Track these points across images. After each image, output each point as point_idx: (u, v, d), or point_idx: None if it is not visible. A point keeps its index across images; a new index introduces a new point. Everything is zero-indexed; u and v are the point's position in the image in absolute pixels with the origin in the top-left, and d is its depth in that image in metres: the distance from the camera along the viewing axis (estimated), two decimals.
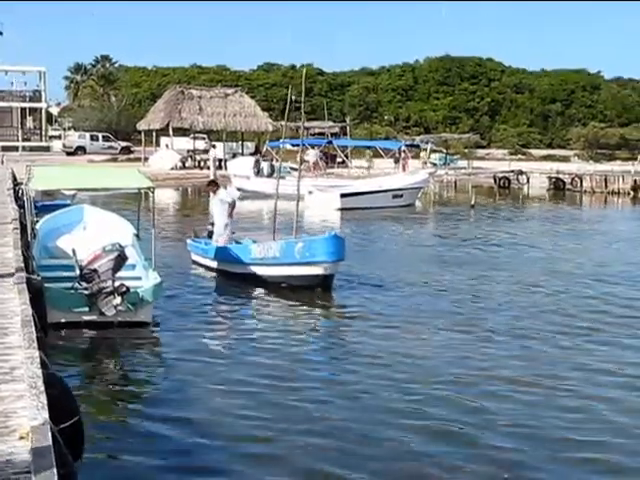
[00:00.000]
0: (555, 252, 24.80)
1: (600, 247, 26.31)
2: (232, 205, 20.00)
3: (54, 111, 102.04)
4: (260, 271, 18.13)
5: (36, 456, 5.13)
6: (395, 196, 39.61)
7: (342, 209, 35.85)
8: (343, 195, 37.42)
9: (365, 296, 17.28)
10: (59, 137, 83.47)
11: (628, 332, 14.60)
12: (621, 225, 35.44)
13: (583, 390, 11.31)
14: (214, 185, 20.79)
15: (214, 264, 19.58)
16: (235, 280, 18.49)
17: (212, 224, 20.40)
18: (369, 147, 68.19)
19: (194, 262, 20.76)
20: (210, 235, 20.36)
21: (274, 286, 17.61)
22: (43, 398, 6.05)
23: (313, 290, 17.18)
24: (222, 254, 19.16)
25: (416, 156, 61.94)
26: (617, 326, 15.02)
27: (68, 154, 70.87)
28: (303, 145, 60.76)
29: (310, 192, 35.21)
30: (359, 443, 9.37)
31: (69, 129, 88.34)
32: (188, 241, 21.50)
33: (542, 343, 13.75)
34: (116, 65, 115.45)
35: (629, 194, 50.93)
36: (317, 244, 17.34)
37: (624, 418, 10.29)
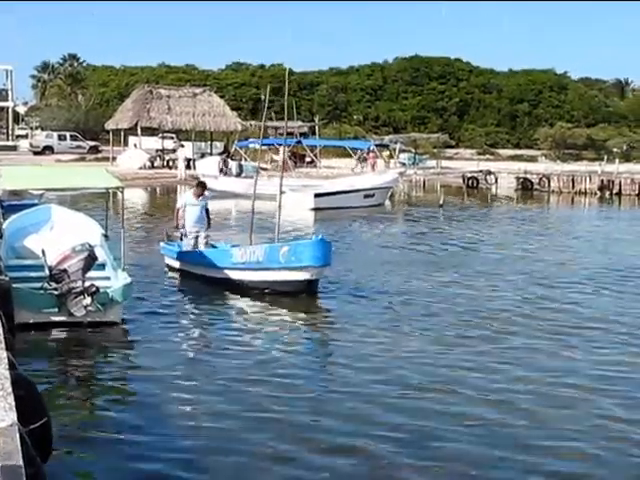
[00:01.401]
0: (520, 252, 24.91)
1: (561, 248, 26.38)
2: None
3: (21, 110, 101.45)
4: (242, 276, 17.54)
5: (4, 457, 5.10)
6: (367, 196, 39.73)
7: (315, 209, 35.82)
8: (317, 195, 37.36)
9: (346, 299, 17.05)
10: (26, 136, 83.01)
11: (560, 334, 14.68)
12: (586, 225, 35.66)
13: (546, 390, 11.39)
14: (203, 187, 20.03)
15: (191, 268, 18.93)
16: (212, 284, 17.97)
17: (184, 226, 19.76)
18: (338, 147, 68.44)
19: (168, 266, 20.14)
20: (182, 238, 19.75)
21: (254, 291, 17.17)
22: (11, 399, 6.00)
23: (296, 296, 16.67)
24: (200, 258, 18.55)
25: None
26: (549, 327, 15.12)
27: (35, 153, 70.38)
28: (274, 145, 60.95)
29: (283, 192, 34.97)
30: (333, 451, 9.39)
31: (36, 128, 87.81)
32: (161, 244, 20.90)
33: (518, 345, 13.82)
34: (84, 64, 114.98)
35: (596, 194, 51.38)
36: (303, 248, 16.80)
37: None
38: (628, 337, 14.30)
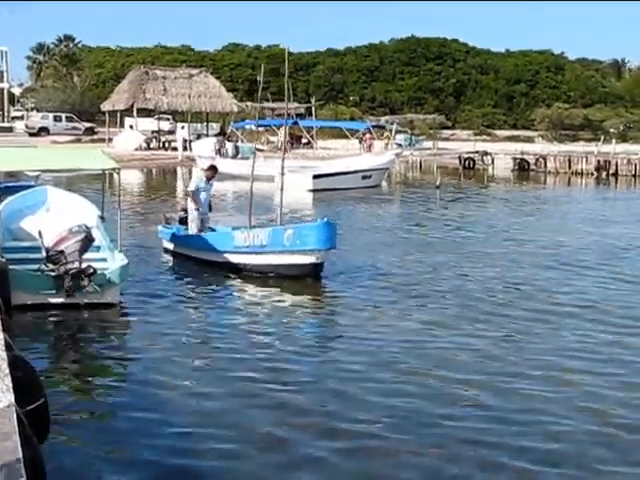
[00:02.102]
0: (515, 234, 24.95)
1: (558, 229, 26.33)
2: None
3: (16, 92, 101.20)
4: (245, 260, 17.29)
5: (1, 438, 5.11)
6: (364, 177, 39.76)
7: (314, 190, 35.76)
8: (315, 176, 37.29)
9: (346, 281, 16.91)
10: (22, 118, 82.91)
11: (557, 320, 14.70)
12: (583, 206, 35.63)
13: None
14: (215, 171, 19.69)
15: (192, 252, 18.63)
16: (211, 267, 17.73)
17: (184, 210, 19.73)
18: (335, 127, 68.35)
19: (166, 250, 19.84)
20: (182, 221, 19.60)
21: (256, 274, 16.98)
22: (8, 381, 6.02)
23: (300, 279, 16.44)
24: (201, 242, 18.30)
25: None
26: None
27: (31, 135, 70.27)
28: (270, 126, 60.81)
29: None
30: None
31: (32, 110, 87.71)
32: (159, 228, 20.53)
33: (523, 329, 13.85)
34: (79, 45, 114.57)
35: (592, 174, 51.34)
36: (308, 231, 16.55)
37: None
38: (615, 318, 14.34)
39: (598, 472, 8.35)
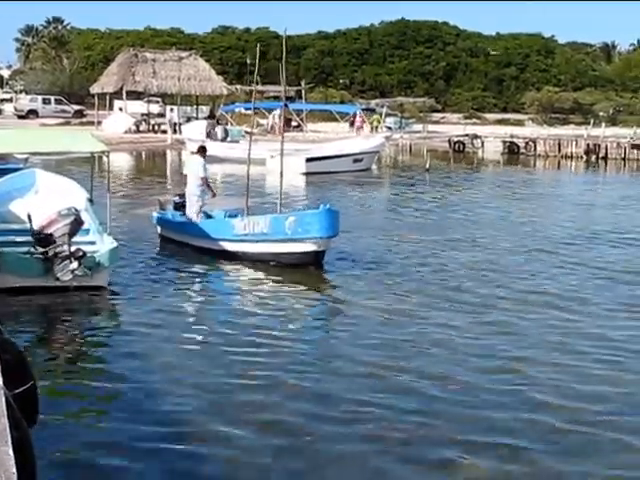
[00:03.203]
0: (509, 215, 25.04)
1: (542, 213, 26.34)
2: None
3: (5, 74, 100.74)
4: (245, 248, 16.89)
5: None
6: (355, 160, 39.79)
7: (307, 173, 35.65)
8: (308, 159, 37.17)
9: (342, 266, 16.80)
10: (10, 100, 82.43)
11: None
12: (571, 190, 35.70)
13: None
14: (204, 151, 19.32)
15: (189, 239, 18.09)
16: (209, 254, 17.32)
17: (179, 195, 19.31)
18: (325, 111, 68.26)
19: (162, 237, 19.17)
20: (177, 207, 19.11)
21: (250, 261, 16.70)
22: None
23: (298, 267, 16.13)
24: (199, 229, 17.83)
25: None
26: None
27: (20, 117, 70.03)
28: (260, 109, 60.64)
29: (272, 156, 34.23)
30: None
31: (20, 92, 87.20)
32: (154, 214, 19.74)
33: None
34: (68, 27, 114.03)
35: (582, 158, 51.43)
36: (311, 218, 16.18)
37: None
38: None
39: (532, 462, 8.31)
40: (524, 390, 10.01)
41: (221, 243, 17.30)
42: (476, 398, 9.74)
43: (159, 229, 19.44)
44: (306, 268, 16.25)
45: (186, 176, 19.52)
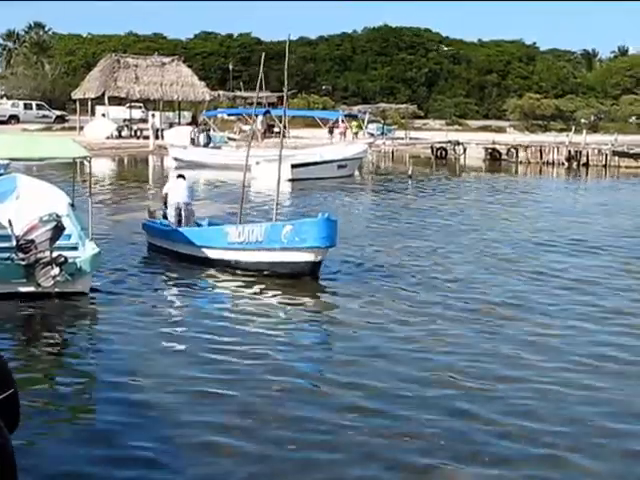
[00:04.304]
0: (477, 222, 25.13)
1: (521, 219, 26.31)
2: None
3: None
4: (239, 257, 16.56)
5: None
6: (340, 166, 39.88)
7: (292, 180, 35.52)
8: (294, 166, 37.10)
9: (343, 274, 16.73)
10: None
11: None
12: (549, 196, 35.72)
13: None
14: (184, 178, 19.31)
15: (179, 248, 17.66)
16: (200, 263, 16.98)
17: (166, 204, 18.98)
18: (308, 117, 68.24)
19: (151, 246, 18.80)
20: (166, 216, 18.85)
21: (241, 270, 16.41)
22: None
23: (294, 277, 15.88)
24: (189, 237, 17.42)
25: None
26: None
27: (1, 123, 69.61)
28: (243, 115, 60.54)
29: (258, 162, 34.09)
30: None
31: (1, 97, 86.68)
32: (143, 222, 19.46)
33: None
34: (50, 32, 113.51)
35: (563, 164, 51.56)
36: (308, 228, 15.81)
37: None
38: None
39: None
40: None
41: (214, 252, 16.95)
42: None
43: (149, 237, 19.12)
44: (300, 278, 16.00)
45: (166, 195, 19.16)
